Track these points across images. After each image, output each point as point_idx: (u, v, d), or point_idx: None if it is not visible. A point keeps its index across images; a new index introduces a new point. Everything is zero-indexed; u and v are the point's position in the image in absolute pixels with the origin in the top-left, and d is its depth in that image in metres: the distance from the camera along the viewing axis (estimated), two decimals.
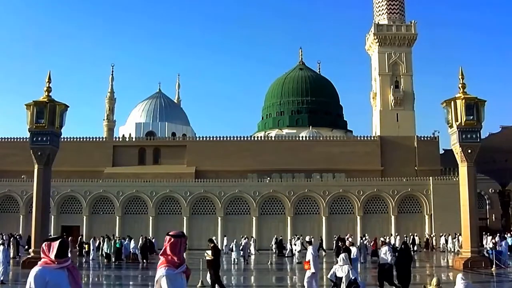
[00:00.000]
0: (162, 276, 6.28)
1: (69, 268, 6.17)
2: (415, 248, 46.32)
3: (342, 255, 17.50)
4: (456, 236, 51.14)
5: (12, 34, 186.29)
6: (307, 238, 19.03)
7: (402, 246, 21.25)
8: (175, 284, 6.28)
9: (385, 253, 19.39)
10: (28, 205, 55.54)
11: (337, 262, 18.48)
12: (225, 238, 53.27)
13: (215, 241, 22.11)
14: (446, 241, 53.00)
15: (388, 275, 19.07)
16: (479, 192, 62.41)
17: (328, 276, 18.70)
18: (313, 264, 17.90)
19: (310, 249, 18.66)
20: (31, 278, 5.99)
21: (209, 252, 20.34)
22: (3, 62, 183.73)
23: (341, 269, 16.98)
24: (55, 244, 6.13)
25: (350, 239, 19.91)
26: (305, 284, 18.08)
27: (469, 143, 31.18)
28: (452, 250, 50.50)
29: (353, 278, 16.49)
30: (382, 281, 19.25)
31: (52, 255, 6.07)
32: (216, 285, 19.57)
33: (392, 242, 47.15)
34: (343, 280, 16.78)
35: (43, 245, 6.18)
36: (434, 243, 55.86)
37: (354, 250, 19.52)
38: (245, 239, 43.48)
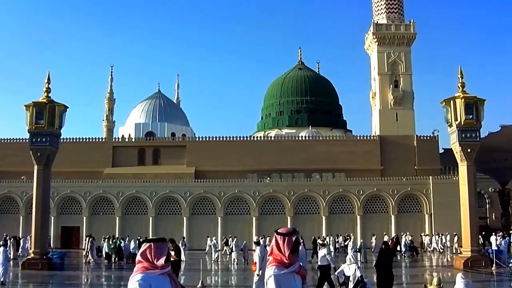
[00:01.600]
0: (269, 276, 5.79)
1: (169, 274, 5.78)
2: (403, 248, 45.92)
3: (350, 255, 17.61)
4: (440, 235, 50.95)
5: (11, 34, 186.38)
6: (255, 239, 18.43)
7: (383, 246, 20.09)
8: (286, 286, 5.77)
9: (324, 255, 18.71)
10: (28, 206, 55.48)
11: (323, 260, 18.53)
12: (230, 239, 52.27)
13: (176, 241, 21.64)
14: (431, 241, 52.76)
15: (328, 277, 18.48)
16: (479, 191, 62.36)
17: (336, 273, 18.79)
18: (259, 265, 17.39)
19: (257, 250, 18.00)
20: (135, 285, 5.58)
21: (172, 253, 20.10)
22: (2, 63, 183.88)
23: (348, 268, 17.14)
24: (161, 247, 5.73)
25: (319, 241, 19.36)
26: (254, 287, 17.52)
27: (468, 142, 31.18)
28: (437, 249, 50.24)
29: (360, 276, 16.56)
30: (321, 283, 18.53)
31: (161, 261, 5.63)
32: None
33: (382, 239, 47.73)
34: (351, 278, 16.93)
35: (146, 249, 5.70)
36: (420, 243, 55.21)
37: (323, 252, 18.97)
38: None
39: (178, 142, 72.49)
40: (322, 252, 18.97)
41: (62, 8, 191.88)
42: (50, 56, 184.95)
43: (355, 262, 17.05)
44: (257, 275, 17.36)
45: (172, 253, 19.35)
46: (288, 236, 5.96)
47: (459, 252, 45.36)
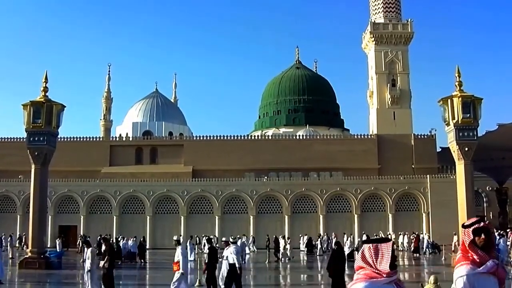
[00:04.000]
0: (459, 277, 4.68)
1: (397, 283, 4.47)
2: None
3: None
4: (415, 234, 50.73)
5: (9, 33, 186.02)
6: (175, 237, 17.97)
7: (335, 247, 19.27)
8: None
9: (231, 253, 18.48)
10: (25, 205, 55.42)
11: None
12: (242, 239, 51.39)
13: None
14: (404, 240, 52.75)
15: (236, 276, 18.40)
16: (476, 190, 62.40)
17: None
18: (182, 264, 17.32)
19: (178, 249, 17.75)
20: None
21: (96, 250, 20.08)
22: None
23: None
24: (386, 250, 4.37)
25: (230, 238, 19.03)
26: (172, 287, 17.34)
27: (466, 141, 31.21)
28: (408, 248, 49.99)
29: None
30: (230, 282, 18.44)
31: (386, 266, 4.32)
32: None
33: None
34: None
35: (367, 251, 4.39)
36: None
37: (231, 250, 18.86)
38: (242, 236, 43.50)
39: (175, 141, 72.51)
40: (229, 250, 18.62)
41: (60, 7, 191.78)
42: (48, 56, 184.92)
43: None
44: (182, 273, 17.28)
45: (90, 251, 19.14)
46: (476, 227, 4.73)
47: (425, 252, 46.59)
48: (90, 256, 18.71)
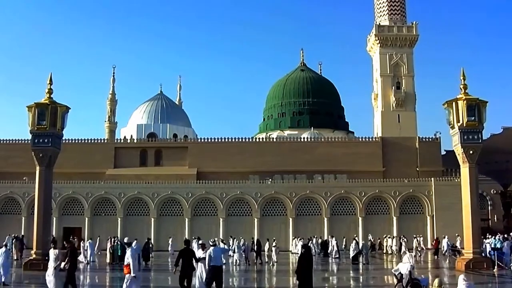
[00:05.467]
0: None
1: None
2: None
3: (407, 254, 18.11)
4: (400, 238, 50.54)
5: (14, 35, 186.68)
6: (126, 240, 17.72)
7: (302, 250, 19.08)
8: None
9: (209, 255, 18.50)
10: (30, 206, 55.66)
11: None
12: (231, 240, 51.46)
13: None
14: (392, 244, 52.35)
15: (219, 278, 18.45)
16: (481, 193, 62.36)
17: (393, 271, 19.21)
18: (133, 267, 17.18)
19: (128, 252, 17.59)
20: None
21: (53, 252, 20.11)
22: (4, 64, 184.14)
23: (404, 267, 17.65)
24: None
25: (211, 241, 19.05)
26: None
27: (470, 144, 31.14)
28: (395, 252, 49.63)
29: (413, 274, 17.08)
30: (211, 282, 18.47)
31: None
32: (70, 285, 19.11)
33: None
34: (404, 276, 17.46)
35: None
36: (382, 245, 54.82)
37: (200, 251, 18.87)
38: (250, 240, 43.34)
39: (180, 143, 72.53)
40: (208, 252, 18.64)
41: (65, 9, 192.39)
42: (53, 58, 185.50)
43: (409, 262, 17.46)
44: (133, 276, 17.14)
45: (53, 252, 19.15)
46: None
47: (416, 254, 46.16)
48: (54, 258, 18.89)
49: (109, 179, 63.01)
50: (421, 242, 51.70)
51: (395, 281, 19.37)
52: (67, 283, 18.89)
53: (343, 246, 52.10)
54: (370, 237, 54.30)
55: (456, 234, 49.04)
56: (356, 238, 44.32)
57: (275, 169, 65.12)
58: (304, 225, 58.96)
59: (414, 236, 50.53)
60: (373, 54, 79.57)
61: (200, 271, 19.09)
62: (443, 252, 47.05)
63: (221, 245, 45.22)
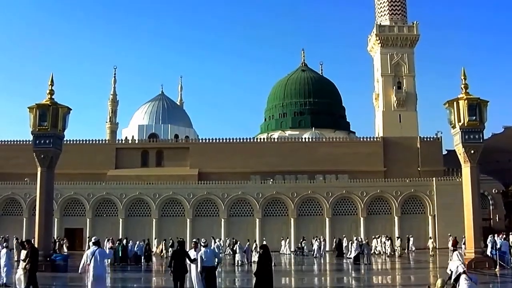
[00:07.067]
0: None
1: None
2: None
3: (456, 252, 18.51)
4: (388, 238, 50.31)
5: (15, 36, 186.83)
6: (93, 239, 17.57)
7: (261, 251, 18.85)
8: None
9: (200, 256, 18.56)
10: (31, 207, 55.68)
11: None
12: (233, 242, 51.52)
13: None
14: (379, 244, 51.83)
15: (212, 278, 18.47)
16: (482, 192, 62.09)
17: (448, 271, 19.66)
18: (92, 269, 16.80)
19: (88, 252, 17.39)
20: None
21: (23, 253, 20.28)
22: (5, 65, 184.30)
23: (453, 264, 18.07)
24: None
25: (202, 241, 19.13)
26: None
27: (472, 143, 31.10)
28: (385, 252, 49.13)
29: (462, 271, 17.36)
30: (205, 283, 18.49)
31: None
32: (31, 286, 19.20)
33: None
34: (452, 274, 17.85)
35: None
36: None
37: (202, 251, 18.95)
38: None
39: (181, 144, 72.56)
40: (200, 252, 18.66)
41: (65, 9, 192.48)
42: (54, 58, 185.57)
43: (459, 260, 17.73)
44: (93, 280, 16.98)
45: (23, 253, 19.60)
46: None
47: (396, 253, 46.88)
48: (23, 258, 19.40)
49: (111, 180, 63.05)
50: (432, 242, 51.23)
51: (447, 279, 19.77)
52: (29, 283, 19.11)
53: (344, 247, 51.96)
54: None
55: (387, 236, 49.53)
56: (358, 238, 44.33)
57: (277, 169, 65.15)
58: (305, 225, 58.97)
59: (430, 237, 50.57)
60: (374, 54, 79.58)
61: (194, 272, 19.11)
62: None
63: (217, 243, 45.64)
